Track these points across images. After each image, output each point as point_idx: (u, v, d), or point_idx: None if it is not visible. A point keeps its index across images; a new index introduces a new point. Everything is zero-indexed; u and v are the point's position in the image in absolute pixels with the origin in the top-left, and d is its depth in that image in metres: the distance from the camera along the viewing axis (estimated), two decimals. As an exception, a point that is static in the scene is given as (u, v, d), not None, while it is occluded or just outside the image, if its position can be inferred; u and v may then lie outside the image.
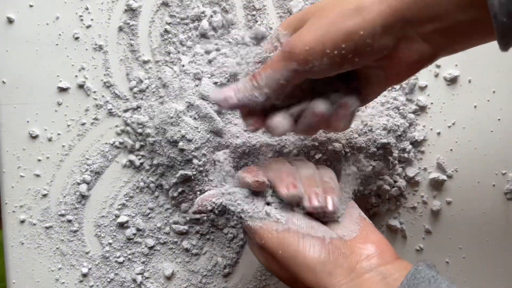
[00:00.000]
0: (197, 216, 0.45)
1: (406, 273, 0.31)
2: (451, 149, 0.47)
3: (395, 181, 0.46)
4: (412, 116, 0.46)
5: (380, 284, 0.32)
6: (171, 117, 0.43)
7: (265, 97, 0.34)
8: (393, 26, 0.30)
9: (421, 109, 0.47)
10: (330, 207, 0.35)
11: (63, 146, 0.47)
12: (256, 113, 0.36)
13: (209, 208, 0.38)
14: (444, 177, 0.47)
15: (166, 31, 0.46)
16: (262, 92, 0.34)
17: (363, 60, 0.32)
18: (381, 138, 0.43)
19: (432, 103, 0.47)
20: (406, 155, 0.46)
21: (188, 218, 0.46)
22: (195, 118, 0.43)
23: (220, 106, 0.35)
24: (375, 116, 0.44)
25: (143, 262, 0.47)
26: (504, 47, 0.29)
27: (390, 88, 0.45)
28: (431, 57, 0.32)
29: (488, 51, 0.47)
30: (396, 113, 0.45)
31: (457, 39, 0.31)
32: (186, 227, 0.47)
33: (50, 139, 0.47)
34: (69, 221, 0.47)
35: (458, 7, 0.28)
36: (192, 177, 0.44)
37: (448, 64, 0.47)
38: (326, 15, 0.31)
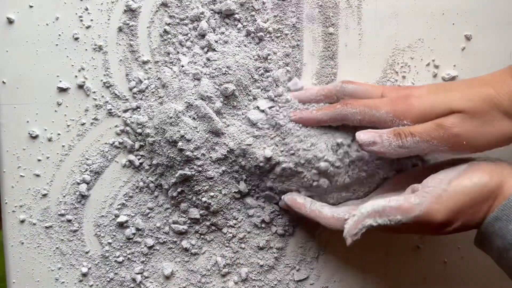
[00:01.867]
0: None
1: None
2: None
3: None
4: None
5: None
6: (171, 117, 0.43)
7: (401, 157, 0.40)
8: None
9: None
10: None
11: (63, 146, 0.47)
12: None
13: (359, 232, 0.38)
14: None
15: (165, 31, 0.46)
16: (402, 152, 0.38)
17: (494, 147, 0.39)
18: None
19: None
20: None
21: (187, 218, 0.47)
22: (194, 118, 0.43)
23: (361, 147, 0.39)
24: None
25: (142, 262, 0.47)
26: None
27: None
28: None
29: (486, 51, 0.47)
30: None
31: None
32: (185, 226, 0.47)
33: (50, 139, 0.47)
34: (69, 220, 0.47)
35: None
36: (192, 177, 0.44)
37: (446, 65, 0.47)
38: (486, 125, 0.37)
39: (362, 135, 0.39)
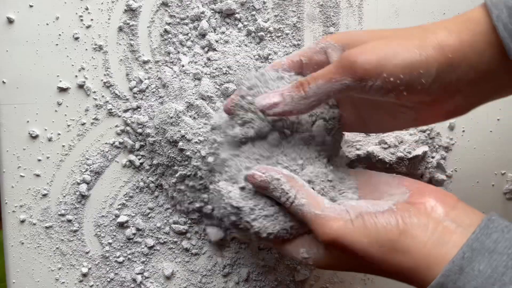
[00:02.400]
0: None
1: (475, 218, 0.32)
2: (451, 149, 0.47)
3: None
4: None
5: (457, 231, 0.31)
6: (171, 117, 0.43)
7: (311, 108, 0.34)
8: (445, 76, 0.31)
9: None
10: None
11: (63, 146, 0.47)
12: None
13: (263, 181, 0.34)
14: (444, 177, 0.47)
15: (166, 31, 0.46)
16: (309, 103, 0.33)
17: (409, 96, 0.32)
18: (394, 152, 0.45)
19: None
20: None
21: (187, 218, 0.46)
22: (194, 118, 0.43)
23: (263, 113, 0.35)
24: None
25: (143, 262, 0.47)
26: None
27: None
28: (464, 111, 0.34)
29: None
30: None
31: (492, 95, 0.34)
32: (185, 227, 0.47)
33: (50, 139, 0.47)
34: (69, 221, 0.47)
35: (493, 66, 0.31)
36: (191, 177, 0.44)
37: (448, 64, 0.47)
38: (392, 42, 0.32)
39: (261, 99, 0.34)
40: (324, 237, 0.32)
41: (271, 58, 0.45)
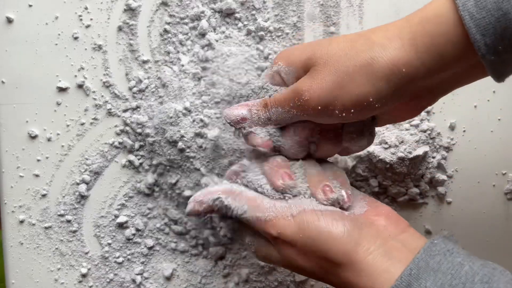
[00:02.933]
0: (193, 218, 0.44)
1: (421, 242, 0.32)
2: (452, 149, 0.47)
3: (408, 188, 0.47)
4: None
5: (403, 250, 0.32)
6: (171, 117, 0.43)
7: (274, 126, 0.36)
8: (401, 89, 0.31)
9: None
10: (346, 199, 0.35)
11: (63, 146, 0.47)
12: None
13: (206, 207, 0.36)
14: (445, 177, 0.47)
15: (165, 30, 0.46)
16: (273, 123, 0.36)
17: (367, 116, 0.34)
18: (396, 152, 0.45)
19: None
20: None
21: (188, 218, 0.46)
22: (194, 119, 0.43)
23: (230, 124, 0.36)
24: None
25: (142, 263, 0.47)
26: (497, 79, 0.31)
27: None
28: (431, 102, 0.35)
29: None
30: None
31: (458, 82, 0.34)
32: (185, 227, 0.46)
33: (49, 139, 0.46)
34: (68, 221, 0.47)
35: (457, 60, 0.30)
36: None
37: (448, 64, 0.47)
38: (338, 73, 0.31)
39: (229, 112, 0.36)
40: (268, 236, 0.34)
41: (271, 58, 0.45)
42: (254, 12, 0.46)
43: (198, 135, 0.43)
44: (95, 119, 0.47)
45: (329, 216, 0.33)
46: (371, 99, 0.31)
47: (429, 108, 0.47)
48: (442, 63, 0.30)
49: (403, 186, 0.46)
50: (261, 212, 0.34)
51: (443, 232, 0.33)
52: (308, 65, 0.33)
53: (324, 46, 0.33)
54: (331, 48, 0.32)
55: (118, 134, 0.47)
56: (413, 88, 0.31)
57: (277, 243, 0.34)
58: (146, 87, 0.47)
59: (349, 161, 0.46)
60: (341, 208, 0.35)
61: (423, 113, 0.46)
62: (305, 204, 0.34)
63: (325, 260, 0.32)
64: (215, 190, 0.36)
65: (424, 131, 0.46)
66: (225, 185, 0.37)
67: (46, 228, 0.47)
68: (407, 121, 0.46)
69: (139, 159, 0.47)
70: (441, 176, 0.47)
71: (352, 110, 0.31)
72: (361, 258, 0.31)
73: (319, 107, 0.32)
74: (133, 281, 0.47)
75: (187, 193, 0.44)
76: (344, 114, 0.32)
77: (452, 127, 0.47)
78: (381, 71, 0.30)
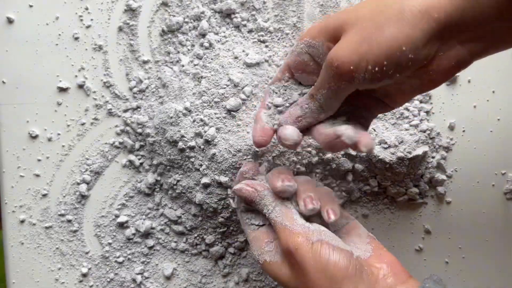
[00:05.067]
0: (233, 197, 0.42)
1: None
2: (451, 149, 0.47)
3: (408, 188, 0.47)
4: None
5: None
6: (171, 117, 0.43)
7: (329, 114, 0.35)
8: (435, 38, 0.30)
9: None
10: (327, 216, 0.36)
11: (63, 146, 0.47)
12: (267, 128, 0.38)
13: (250, 194, 0.38)
14: (444, 177, 0.47)
15: (165, 31, 0.46)
16: (325, 112, 0.35)
17: (403, 73, 0.31)
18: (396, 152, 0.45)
19: (432, 103, 0.47)
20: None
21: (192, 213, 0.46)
22: (194, 120, 0.43)
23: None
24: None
25: (142, 262, 0.47)
26: None
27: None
28: (467, 62, 0.33)
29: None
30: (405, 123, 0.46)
31: (494, 44, 0.32)
32: (185, 227, 0.47)
33: (50, 139, 0.47)
34: (69, 221, 0.47)
35: (498, 17, 0.29)
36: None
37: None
38: (366, 29, 0.31)
39: (284, 117, 0.37)
40: (283, 244, 0.34)
41: (271, 58, 0.45)
42: (254, 12, 0.46)
43: (198, 135, 0.43)
44: (95, 119, 0.47)
45: (339, 254, 0.33)
46: (404, 48, 0.30)
47: (428, 108, 0.47)
48: (479, 13, 0.29)
49: (403, 186, 0.47)
50: (291, 223, 0.35)
51: (432, 277, 0.33)
52: (337, 36, 0.33)
53: (352, 10, 0.32)
54: (359, 9, 0.32)
55: (118, 134, 0.47)
56: (447, 39, 0.30)
57: (289, 257, 0.34)
58: (147, 87, 0.47)
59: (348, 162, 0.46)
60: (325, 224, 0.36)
61: (422, 113, 0.46)
62: (324, 235, 0.34)
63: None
64: (262, 184, 0.38)
65: (424, 131, 0.46)
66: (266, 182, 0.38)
67: (46, 228, 0.47)
68: (406, 121, 0.46)
69: (139, 159, 0.47)
70: (440, 176, 0.47)
71: (385, 63, 0.30)
72: None
73: (352, 67, 0.31)
74: (134, 280, 0.47)
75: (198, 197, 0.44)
76: (377, 69, 0.30)
77: (451, 127, 0.47)
78: (412, 18, 0.29)
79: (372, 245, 0.36)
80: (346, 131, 0.34)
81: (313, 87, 0.35)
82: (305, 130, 0.37)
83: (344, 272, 0.33)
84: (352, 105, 0.36)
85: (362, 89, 0.33)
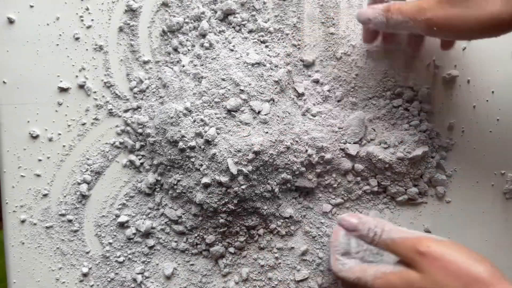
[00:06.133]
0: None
1: None
2: (451, 149, 0.47)
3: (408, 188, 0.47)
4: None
5: None
6: (171, 117, 0.43)
7: (390, 31, 0.40)
8: None
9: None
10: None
11: (64, 146, 0.47)
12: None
13: (355, 227, 0.41)
14: (444, 177, 0.47)
15: (165, 31, 0.46)
16: (388, 29, 0.40)
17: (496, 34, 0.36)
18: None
19: (431, 103, 0.47)
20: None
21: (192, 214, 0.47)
22: (194, 120, 0.43)
23: (359, 20, 0.41)
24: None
25: (143, 262, 0.47)
26: None
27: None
28: None
29: (486, 51, 0.47)
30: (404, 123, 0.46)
31: None
32: (185, 227, 0.47)
33: (50, 139, 0.47)
34: (70, 221, 0.47)
35: None
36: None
37: (447, 65, 0.47)
38: (467, 10, 0.35)
39: (361, 11, 0.41)
40: (411, 251, 0.36)
41: (271, 58, 0.45)
42: (254, 13, 0.46)
43: (199, 135, 0.43)
44: (96, 119, 0.47)
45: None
46: (504, 16, 0.34)
47: (428, 108, 0.47)
48: None
49: (402, 186, 0.47)
50: (409, 234, 0.38)
51: None
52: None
53: None
54: None
55: (119, 134, 0.47)
56: None
57: (421, 259, 0.36)
58: (147, 88, 0.47)
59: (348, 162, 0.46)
60: None
61: (422, 113, 0.47)
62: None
63: None
64: (357, 215, 0.42)
65: (424, 131, 0.46)
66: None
67: (47, 227, 0.47)
68: (406, 121, 0.46)
69: (140, 159, 0.47)
70: (440, 176, 0.47)
71: (477, 30, 0.35)
72: None
73: (436, 28, 0.36)
74: (134, 280, 0.47)
75: (199, 196, 0.44)
76: (465, 34, 0.36)
77: (451, 127, 0.47)
78: (506, 11, 0.34)
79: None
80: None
81: (395, 4, 0.38)
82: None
83: (475, 254, 0.35)
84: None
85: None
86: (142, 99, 0.47)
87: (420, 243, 0.36)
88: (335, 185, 0.46)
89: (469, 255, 0.35)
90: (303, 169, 0.45)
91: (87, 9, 0.46)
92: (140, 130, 0.46)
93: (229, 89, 0.43)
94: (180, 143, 0.43)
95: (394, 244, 0.38)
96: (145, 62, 0.47)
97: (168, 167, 0.45)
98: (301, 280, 0.47)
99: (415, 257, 0.36)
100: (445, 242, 0.36)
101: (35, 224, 0.47)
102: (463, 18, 0.35)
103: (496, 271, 0.34)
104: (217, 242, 0.47)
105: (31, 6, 0.46)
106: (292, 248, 0.47)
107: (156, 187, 0.47)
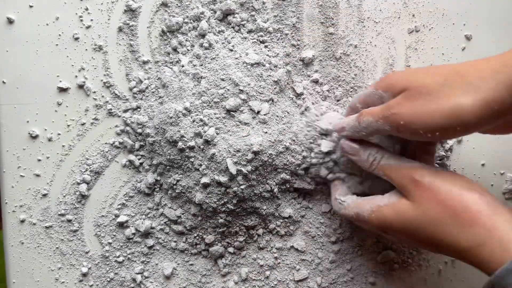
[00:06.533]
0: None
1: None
2: (450, 149, 0.47)
3: None
4: None
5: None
6: (171, 117, 0.43)
7: (365, 137, 0.40)
8: (490, 121, 0.33)
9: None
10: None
11: (63, 146, 0.47)
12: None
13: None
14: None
15: (165, 31, 0.46)
16: (361, 133, 0.39)
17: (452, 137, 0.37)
18: None
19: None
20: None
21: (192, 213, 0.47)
22: (194, 120, 0.44)
23: (335, 129, 0.42)
24: None
25: (142, 262, 0.47)
26: None
27: None
28: None
29: (486, 51, 0.47)
30: None
31: None
32: (185, 226, 0.47)
33: (50, 139, 0.47)
34: (69, 220, 0.47)
35: None
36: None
37: (447, 65, 0.47)
38: (425, 102, 0.34)
39: (335, 123, 0.42)
40: (406, 178, 0.36)
41: (270, 59, 0.45)
42: (253, 13, 0.46)
43: (198, 135, 0.43)
44: (95, 119, 0.47)
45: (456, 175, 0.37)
46: (458, 128, 0.33)
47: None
48: None
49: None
50: (400, 160, 0.38)
51: None
52: (402, 90, 0.36)
53: (420, 78, 0.35)
54: (426, 82, 0.35)
55: (118, 134, 0.47)
56: (503, 120, 0.33)
57: (415, 188, 0.36)
58: (146, 88, 0.47)
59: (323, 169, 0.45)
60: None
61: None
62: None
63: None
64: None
65: None
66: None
67: (46, 227, 0.47)
68: None
69: (139, 159, 0.47)
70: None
71: (437, 134, 0.34)
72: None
73: (405, 126, 0.34)
74: (134, 280, 0.47)
75: (198, 196, 0.44)
76: (429, 135, 0.34)
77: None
78: (472, 110, 0.32)
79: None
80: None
81: (366, 109, 0.38)
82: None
83: (471, 184, 0.35)
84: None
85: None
86: (141, 99, 0.47)
87: (415, 171, 0.36)
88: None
89: (463, 184, 0.35)
90: (302, 172, 0.45)
91: (87, 9, 0.46)
92: (139, 130, 0.46)
93: (228, 89, 0.43)
94: (180, 143, 0.43)
95: (391, 169, 0.38)
96: (145, 62, 0.47)
97: (168, 167, 0.45)
98: (301, 280, 0.47)
99: (409, 185, 0.36)
100: (441, 172, 0.36)
101: (34, 224, 0.47)
102: (427, 110, 0.33)
103: (490, 200, 0.34)
104: (217, 242, 0.47)
105: (31, 6, 0.46)
106: (292, 248, 0.47)
107: (156, 187, 0.47)
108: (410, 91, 0.35)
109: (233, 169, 0.42)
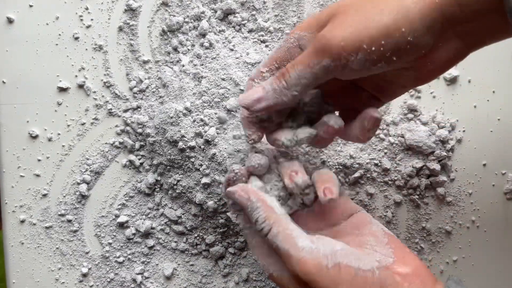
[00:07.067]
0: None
1: None
2: (452, 149, 0.47)
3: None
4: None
5: None
6: (171, 117, 0.43)
7: (294, 100, 0.32)
8: (434, 25, 0.29)
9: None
10: (322, 194, 0.32)
11: (63, 146, 0.47)
12: (256, 124, 0.35)
13: (238, 202, 0.34)
14: (444, 177, 0.47)
15: (165, 31, 0.46)
16: (291, 94, 0.31)
17: (400, 59, 0.30)
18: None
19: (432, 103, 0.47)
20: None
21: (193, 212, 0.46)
22: (194, 120, 0.43)
23: (249, 111, 0.33)
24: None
25: (143, 262, 0.47)
26: None
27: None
28: (464, 54, 0.32)
29: (487, 51, 0.47)
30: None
31: (490, 36, 0.31)
32: (185, 227, 0.47)
33: (50, 139, 0.47)
34: (69, 221, 0.47)
35: (495, 10, 0.28)
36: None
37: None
38: (362, 11, 0.29)
39: (243, 98, 0.32)
40: (292, 272, 0.31)
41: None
42: (254, 12, 0.46)
43: (199, 135, 0.43)
44: (95, 119, 0.47)
45: (362, 278, 0.30)
46: (403, 29, 0.28)
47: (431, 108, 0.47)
48: (476, 6, 0.28)
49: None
50: (294, 249, 0.31)
51: (452, 278, 0.31)
52: (328, 20, 0.31)
53: (342, 2, 0.31)
54: (350, 1, 0.31)
55: (118, 134, 0.47)
56: (446, 29, 0.29)
57: (302, 284, 0.31)
58: (147, 87, 0.47)
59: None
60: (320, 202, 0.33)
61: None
62: (341, 256, 0.31)
63: None
64: (261, 195, 0.33)
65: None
66: (257, 187, 0.34)
67: (46, 227, 0.47)
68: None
69: (139, 159, 0.47)
70: (441, 176, 0.47)
71: (383, 42, 0.28)
72: None
73: (344, 43, 0.29)
74: (134, 280, 0.47)
75: (198, 197, 0.44)
76: (373, 48, 0.28)
77: (452, 127, 0.47)
78: (414, 5, 0.29)
79: (392, 246, 0.32)
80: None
81: (289, 63, 0.32)
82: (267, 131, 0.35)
83: None
84: (340, 105, 0.35)
85: (345, 79, 0.31)
86: (141, 99, 0.47)
87: (301, 269, 0.30)
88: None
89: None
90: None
91: (87, 8, 0.46)
92: (139, 130, 0.46)
93: (229, 89, 0.43)
94: (180, 143, 0.43)
95: (276, 251, 0.32)
96: (145, 62, 0.47)
97: (168, 167, 0.45)
98: (301, 281, 0.47)
99: (295, 279, 0.31)
100: (335, 272, 0.30)
101: (34, 224, 0.47)
102: (370, 14, 0.29)
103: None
104: (217, 243, 0.47)
105: (31, 6, 0.46)
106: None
107: (156, 187, 0.47)
108: (340, 13, 0.30)
109: None
